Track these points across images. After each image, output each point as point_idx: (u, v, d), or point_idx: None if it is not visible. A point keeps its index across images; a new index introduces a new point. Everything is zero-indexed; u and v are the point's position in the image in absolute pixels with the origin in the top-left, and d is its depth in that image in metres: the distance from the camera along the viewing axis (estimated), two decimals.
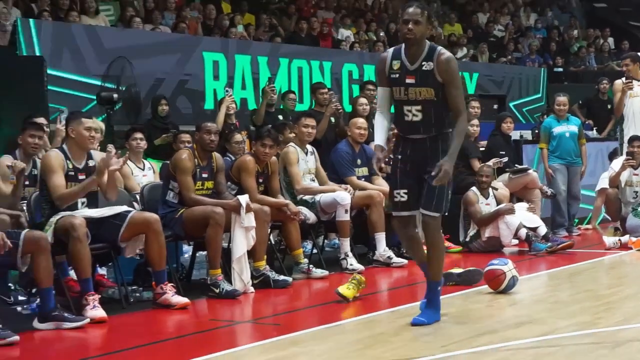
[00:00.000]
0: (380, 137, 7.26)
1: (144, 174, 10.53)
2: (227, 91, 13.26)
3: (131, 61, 13.37)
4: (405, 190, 7.20)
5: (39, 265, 7.46)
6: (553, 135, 13.83)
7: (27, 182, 8.78)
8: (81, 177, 8.27)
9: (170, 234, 8.86)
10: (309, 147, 10.74)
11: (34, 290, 8.24)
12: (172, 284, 8.42)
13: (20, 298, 8.59)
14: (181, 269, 9.71)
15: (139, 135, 10.73)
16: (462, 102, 7.20)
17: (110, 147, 9.99)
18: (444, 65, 6.99)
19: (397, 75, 7.11)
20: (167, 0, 18.27)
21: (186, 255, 9.88)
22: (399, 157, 7.29)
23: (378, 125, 7.32)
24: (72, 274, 8.35)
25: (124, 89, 13.04)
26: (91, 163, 8.25)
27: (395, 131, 7.75)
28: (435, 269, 7.41)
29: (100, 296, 8.04)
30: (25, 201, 8.67)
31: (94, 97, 12.42)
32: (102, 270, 9.29)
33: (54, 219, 8.00)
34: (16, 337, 6.97)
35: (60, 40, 12.83)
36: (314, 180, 10.65)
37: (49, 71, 11.42)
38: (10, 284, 8.72)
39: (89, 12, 15.60)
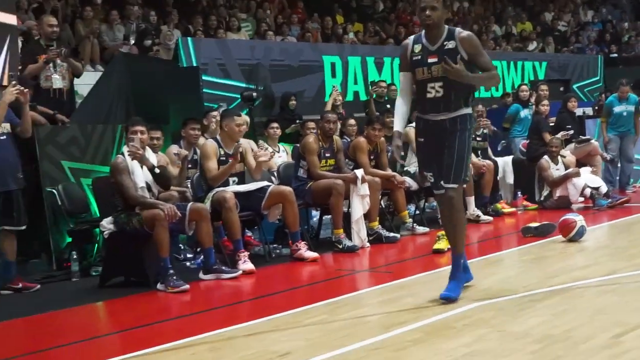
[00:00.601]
0: (399, 123, 6.28)
1: (279, 155, 10.66)
2: (334, 87, 13.37)
3: (266, 66, 13.60)
4: (431, 173, 6.22)
5: (201, 230, 7.64)
6: (613, 113, 13.62)
7: (189, 166, 8.98)
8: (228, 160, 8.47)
9: (301, 202, 8.96)
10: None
11: (198, 250, 8.42)
12: (304, 242, 8.53)
13: (189, 256, 8.79)
14: (311, 230, 9.80)
15: (274, 124, 10.86)
16: (492, 65, 6.22)
17: (262, 144, 10.14)
18: (467, 40, 6.07)
19: (420, 57, 6.13)
20: (292, 16, 18.41)
21: (315, 219, 9.97)
22: (421, 140, 6.30)
23: (398, 111, 6.32)
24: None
25: (261, 88, 13.21)
26: (240, 149, 8.38)
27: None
28: (456, 242, 6.29)
29: (249, 253, 8.18)
30: (189, 180, 8.89)
31: (238, 96, 12.58)
32: (249, 233, 9.44)
33: (210, 194, 8.19)
34: (187, 286, 7.18)
35: (212, 52, 13.04)
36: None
37: (203, 77, 11.60)
38: (180, 245, 8.93)
39: (232, 29, 15.85)
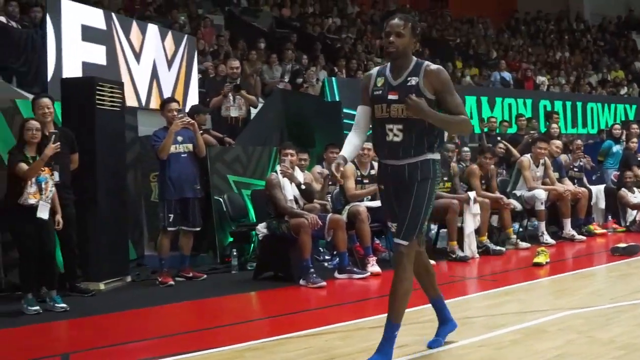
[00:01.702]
0: (346, 149, 4.54)
1: None
2: None
3: None
4: (395, 224, 4.48)
5: (338, 236, 7.67)
6: None
7: (330, 183, 9.03)
8: (365, 181, 8.47)
9: None
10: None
11: (334, 253, 8.44)
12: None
13: (326, 257, 8.84)
14: (430, 241, 9.71)
15: None
16: (463, 108, 4.44)
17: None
18: (434, 75, 4.36)
19: (380, 92, 4.46)
20: None
21: (433, 232, 9.87)
22: (382, 186, 4.62)
23: (348, 140, 4.60)
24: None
25: None
26: (372, 172, 8.37)
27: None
28: (393, 308, 4.37)
29: (376, 258, 8.14)
30: (329, 195, 8.93)
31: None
32: (378, 241, 9.41)
33: (347, 207, 8.21)
34: (324, 283, 7.21)
35: (351, 89, 13.08)
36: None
37: (344, 110, 11.68)
38: (320, 248, 8.97)
39: (369, 69, 15.83)
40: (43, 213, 6.27)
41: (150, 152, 8.14)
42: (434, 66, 4.43)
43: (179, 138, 7.70)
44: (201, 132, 8.31)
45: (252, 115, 10.63)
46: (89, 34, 9.34)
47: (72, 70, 8.84)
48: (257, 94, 11.34)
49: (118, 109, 7.68)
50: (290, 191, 7.71)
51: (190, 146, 7.75)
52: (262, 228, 7.77)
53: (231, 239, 8.86)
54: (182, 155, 7.71)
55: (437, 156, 4.46)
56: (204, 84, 11.94)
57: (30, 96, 8.11)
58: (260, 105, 11.11)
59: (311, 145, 10.22)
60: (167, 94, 10.16)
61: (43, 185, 6.29)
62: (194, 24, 15.44)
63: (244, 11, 17.96)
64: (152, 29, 10.85)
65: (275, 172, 7.78)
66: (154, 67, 10.58)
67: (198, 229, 7.85)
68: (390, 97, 4.41)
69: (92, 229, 7.31)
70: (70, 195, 7.01)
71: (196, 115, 8.55)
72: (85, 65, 9.12)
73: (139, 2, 15.11)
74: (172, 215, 7.63)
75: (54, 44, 8.79)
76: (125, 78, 9.61)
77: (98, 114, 7.39)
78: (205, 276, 7.90)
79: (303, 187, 7.77)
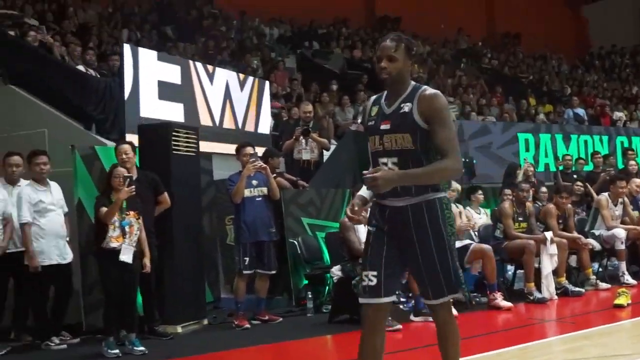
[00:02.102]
0: (365, 189, 4.04)
1: (480, 217, 10.46)
2: (525, 160, 12.99)
3: (471, 141, 13.47)
4: (375, 273, 3.84)
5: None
6: None
7: None
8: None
9: (498, 258, 8.73)
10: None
11: (410, 295, 8.35)
12: (500, 292, 8.31)
13: (402, 300, 8.76)
14: (506, 282, 9.53)
15: (480, 191, 10.55)
16: (453, 144, 3.76)
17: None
18: (427, 100, 3.80)
19: (373, 122, 3.95)
20: (492, 99, 18.23)
21: (509, 273, 9.70)
22: (372, 229, 3.94)
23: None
24: None
25: (466, 160, 13.04)
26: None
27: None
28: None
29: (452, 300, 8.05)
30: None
31: None
32: None
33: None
34: (399, 326, 7.13)
35: None
36: None
37: None
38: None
39: None
40: (126, 256, 6.42)
41: (225, 195, 8.28)
42: (429, 91, 3.88)
43: (254, 182, 7.82)
44: (274, 175, 8.41)
45: (325, 158, 10.71)
46: (165, 82, 9.64)
47: (149, 112, 9.12)
48: (329, 136, 11.43)
49: (193, 154, 7.87)
50: (364, 233, 7.71)
51: (264, 189, 7.85)
52: (336, 271, 7.78)
53: (306, 282, 8.88)
54: (257, 198, 7.81)
55: (442, 194, 3.86)
56: (276, 127, 12.12)
57: (109, 143, 8.38)
58: (332, 147, 11.19)
59: None
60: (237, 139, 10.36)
61: (127, 229, 6.46)
62: (267, 67, 15.73)
63: (316, 53, 18.22)
64: (226, 73, 11.12)
65: None
66: (232, 111, 10.84)
67: (273, 271, 7.91)
68: (382, 127, 3.88)
69: (169, 272, 7.45)
70: (152, 239, 7.15)
71: (270, 159, 8.67)
72: (162, 110, 9.38)
73: (213, 47, 15.49)
74: (247, 259, 7.70)
75: (130, 90, 9.08)
76: (204, 120, 9.87)
77: (174, 159, 7.58)
78: (281, 319, 7.94)
79: None
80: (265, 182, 7.86)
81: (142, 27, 15.16)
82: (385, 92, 4.01)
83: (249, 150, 7.94)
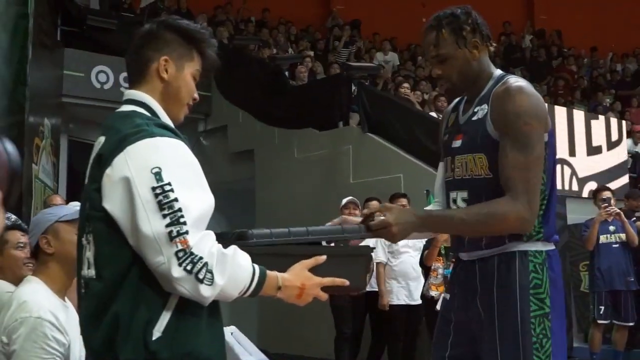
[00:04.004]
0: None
1: None
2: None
3: None
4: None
5: None
6: None
7: None
8: None
9: None
10: None
11: None
12: None
13: None
14: None
15: None
16: (525, 176, 2.31)
17: None
18: (499, 99, 2.40)
19: (447, 137, 2.63)
20: None
21: None
22: (447, 296, 2.65)
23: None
24: None
25: None
26: None
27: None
28: None
29: None
30: None
31: None
32: None
33: None
34: None
35: None
36: None
37: None
38: None
39: None
40: None
41: (579, 240, 7.99)
42: (508, 83, 2.45)
43: (611, 227, 7.46)
44: (634, 219, 7.91)
45: None
46: None
47: None
48: None
49: None
50: None
51: (622, 236, 7.44)
52: None
53: None
54: (614, 245, 7.43)
55: (539, 246, 2.44)
56: (635, 167, 11.43)
57: None
58: None
59: None
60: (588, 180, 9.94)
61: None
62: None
63: None
64: (578, 114, 10.79)
65: None
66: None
67: (631, 323, 7.43)
68: (454, 144, 2.56)
69: None
70: None
71: (629, 200, 8.19)
72: None
73: (563, 87, 15.17)
74: (602, 308, 7.36)
75: None
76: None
77: None
78: None
79: None
80: (623, 227, 7.45)
81: None
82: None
83: (605, 194, 7.59)
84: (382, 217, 2.28)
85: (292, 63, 11.63)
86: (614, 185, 10.57)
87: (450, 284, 2.68)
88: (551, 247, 2.46)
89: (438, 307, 5.71)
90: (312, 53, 12.83)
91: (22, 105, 6.40)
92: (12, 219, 3.07)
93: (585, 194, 9.95)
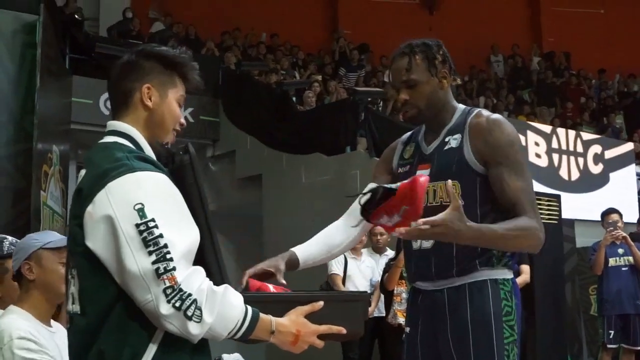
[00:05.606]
0: (303, 246, 2.80)
1: None
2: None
3: None
4: None
5: None
6: None
7: None
8: None
9: None
10: None
11: None
12: None
13: None
14: None
15: None
16: (531, 198, 2.45)
17: None
18: (480, 130, 2.49)
19: (407, 168, 2.66)
20: None
21: None
22: (408, 329, 2.64)
23: (325, 231, 2.99)
24: None
25: None
26: None
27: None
28: None
29: None
30: None
31: None
32: None
33: None
34: None
35: None
36: None
37: None
38: None
39: None
40: None
41: (588, 264, 7.94)
42: (485, 115, 2.54)
43: (619, 250, 7.43)
44: None
45: None
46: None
47: None
48: None
49: (555, 222, 7.77)
50: None
51: (631, 259, 7.40)
52: None
53: None
54: (623, 268, 7.40)
55: (505, 273, 2.52)
56: None
57: None
58: None
59: None
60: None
61: None
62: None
63: None
64: (588, 137, 10.80)
65: None
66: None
67: (639, 347, 7.37)
68: (419, 173, 2.54)
69: (531, 341, 7.29)
70: None
71: (638, 226, 8.16)
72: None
73: (572, 109, 15.16)
74: (612, 332, 7.32)
75: None
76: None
77: None
78: None
79: None
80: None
81: (498, 93, 15.31)
82: (423, 127, 2.72)
83: (613, 217, 7.54)
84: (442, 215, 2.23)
85: (299, 88, 11.66)
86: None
87: (410, 316, 2.67)
88: (511, 274, 2.56)
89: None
90: (320, 77, 12.86)
91: (29, 133, 6.43)
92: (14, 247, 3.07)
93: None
